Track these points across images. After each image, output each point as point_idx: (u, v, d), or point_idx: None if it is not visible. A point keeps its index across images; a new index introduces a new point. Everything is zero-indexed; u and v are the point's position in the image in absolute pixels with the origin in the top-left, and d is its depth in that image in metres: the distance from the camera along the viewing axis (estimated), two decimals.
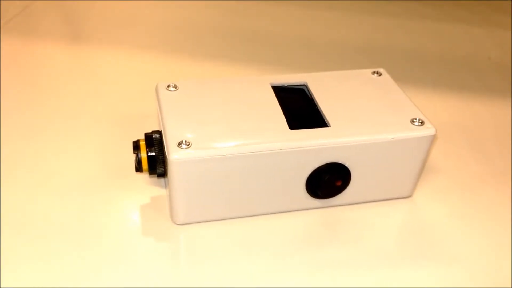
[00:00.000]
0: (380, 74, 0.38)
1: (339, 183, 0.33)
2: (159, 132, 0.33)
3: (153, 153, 0.33)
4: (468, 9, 0.67)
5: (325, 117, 0.33)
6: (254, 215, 0.34)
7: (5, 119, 0.43)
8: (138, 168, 0.34)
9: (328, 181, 0.33)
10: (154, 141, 0.33)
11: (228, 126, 0.32)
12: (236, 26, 0.61)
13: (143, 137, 0.34)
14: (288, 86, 0.37)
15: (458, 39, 0.60)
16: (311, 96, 0.36)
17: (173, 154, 0.30)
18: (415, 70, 0.53)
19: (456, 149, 0.42)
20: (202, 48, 0.56)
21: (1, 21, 0.59)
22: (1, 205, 0.34)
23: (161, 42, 0.57)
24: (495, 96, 0.49)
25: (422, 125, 0.33)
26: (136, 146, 0.34)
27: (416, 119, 0.33)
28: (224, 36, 0.59)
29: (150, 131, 0.34)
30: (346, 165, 0.33)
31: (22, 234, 0.32)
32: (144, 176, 0.37)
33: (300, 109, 0.35)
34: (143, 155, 0.33)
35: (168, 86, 0.35)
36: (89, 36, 0.58)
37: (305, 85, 0.37)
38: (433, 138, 0.33)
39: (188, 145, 0.30)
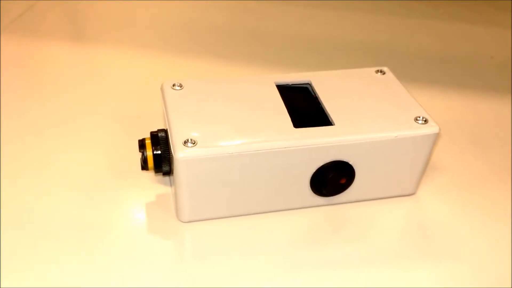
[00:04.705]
0: (384, 73, 0.38)
1: (343, 181, 0.33)
2: (165, 131, 0.34)
3: (159, 152, 0.33)
4: (470, 8, 0.67)
5: (329, 115, 0.34)
6: (259, 213, 0.34)
7: (9, 119, 0.43)
8: (144, 166, 0.34)
9: (332, 179, 0.33)
10: (160, 139, 0.33)
11: (233, 124, 0.32)
12: (240, 25, 0.61)
13: (149, 135, 0.34)
14: (292, 84, 0.37)
15: (460, 38, 0.60)
16: (315, 94, 0.36)
17: (179, 152, 0.30)
18: (417, 69, 0.54)
19: (459, 147, 0.42)
20: (206, 48, 0.56)
21: (6, 21, 0.59)
22: (7, 204, 0.35)
23: (166, 41, 0.57)
24: (496, 94, 0.49)
25: (426, 123, 0.33)
26: (142, 144, 0.34)
27: (420, 117, 0.33)
28: (229, 35, 0.59)
29: (155, 129, 0.34)
30: (350, 163, 0.33)
31: (27, 232, 0.33)
32: (150, 174, 0.37)
33: (304, 107, 0.35)
34: (149, 153, 0.33)
35: (174, 85, 0.36)
36: (93, 35, 0.58)
37: (309, 84, 0.37)
38: (436, 136, 0.33)
39: (194, 143, 0.30)
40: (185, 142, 0.30)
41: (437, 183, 0.38)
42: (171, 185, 0.37)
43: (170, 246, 0.32)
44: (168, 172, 0.34)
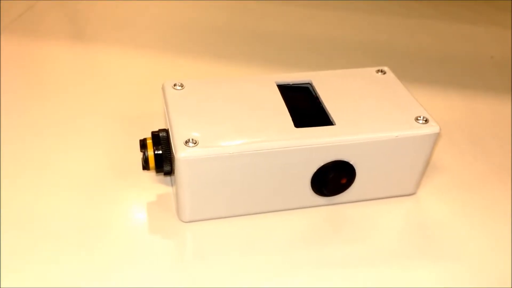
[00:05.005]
0: (385, 73, 0.38)
1: (344, 181, 0.33)
2: (166, 131, 0.34)
3: (160, 151, 0.33)
4: (470, 8, 0.67)
5: (330, 115, 0.34)
6: (259, 213, 0.34)
7: (10, 119, 0.43)
8: (145, 166, 0.34)
9: (333, 178, 0.33)
10: (161, 139, 0.33)
11: (234, 124, 0.32)
12: (240, 25, 0.61)
13: (149, 135, 0.34)
14: (293, 84, 0.37)
15: (460, 38, 0.60)
16: (316, 94, 0.36)
17: (180, 152, 0.30)
18: (417, 69, 0.54)
19: (459, 147, 0.42)
20: (206, 48, 0.56)
21: (6, 21, 0.59)
22: (7, 204, 0.35)
23: (167, 41, 0.57)
24: (496, 94, 0.49)
25: (426, 123, 0.33)
26: (143, 144, 0.34)
27: (420, 117, 0.33)
28: (229, 35, 0.59)
29: (156, 129, 0.34)
30: (351, 162, 0.33)
31: (27, 232, 0.33)
32: (151, 174, 0.37)
33: (305, 107, 0.35)
34: (150, 153, 0.33)
35: (175, 85, 0.36)
36: (93, 35, 0.58)
37: (310, 84, 0.37)
38: (437, 136, 0.33)
39: (195, 143, 0.30)
40: (186, 142, 0.30)
41: (437, 183, 0.38)
42: (172, 185, 0.37)
43: (170, 246, 0.32)
44: (169, 172, 0.34)
